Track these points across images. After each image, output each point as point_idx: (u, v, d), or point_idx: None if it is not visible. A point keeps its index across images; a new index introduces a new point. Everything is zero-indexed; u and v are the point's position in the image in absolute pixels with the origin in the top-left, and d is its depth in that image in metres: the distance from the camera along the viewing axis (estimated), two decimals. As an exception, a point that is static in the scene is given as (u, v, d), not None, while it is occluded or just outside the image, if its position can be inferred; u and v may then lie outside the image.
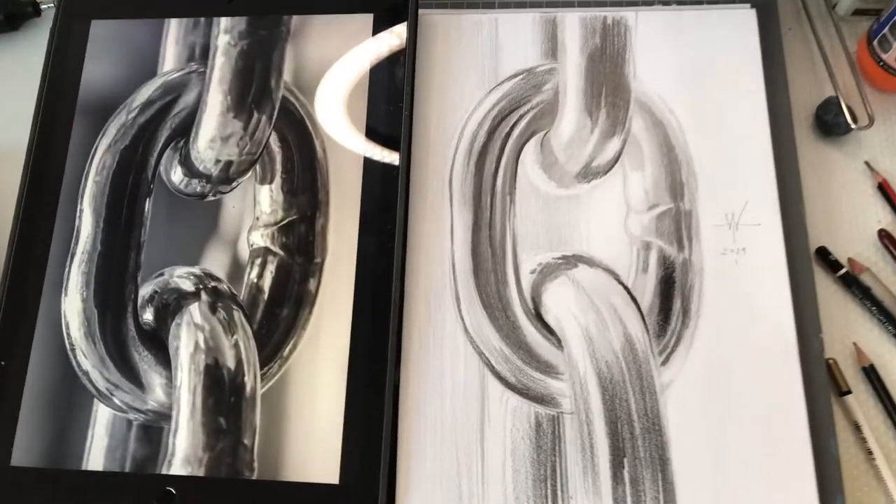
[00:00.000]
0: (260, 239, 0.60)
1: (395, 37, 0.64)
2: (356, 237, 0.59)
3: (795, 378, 0.56)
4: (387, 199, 0.60)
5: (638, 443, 0.55)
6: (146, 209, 0.61)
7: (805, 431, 0.55)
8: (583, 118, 0.63)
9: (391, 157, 0.61)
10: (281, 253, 0.59)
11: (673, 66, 0.64)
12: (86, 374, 0.58)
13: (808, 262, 0.60)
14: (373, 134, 0.61)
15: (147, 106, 0.64)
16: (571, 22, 0.66)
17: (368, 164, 0.61)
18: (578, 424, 0.56)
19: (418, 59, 0.65)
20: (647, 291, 0.59)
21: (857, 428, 0.59)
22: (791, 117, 0.63)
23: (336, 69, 0.64)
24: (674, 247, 0.60)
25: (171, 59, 0.65)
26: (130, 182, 0.62)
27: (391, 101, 0.62)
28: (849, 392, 0.60)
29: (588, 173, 0.62)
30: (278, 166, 0.62)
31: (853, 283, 0.62)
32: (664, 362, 0.57)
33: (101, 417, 0.57)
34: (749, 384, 0.56)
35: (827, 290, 0.63)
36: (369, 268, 0.58)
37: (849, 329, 0.62)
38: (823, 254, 0.64)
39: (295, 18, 0.65)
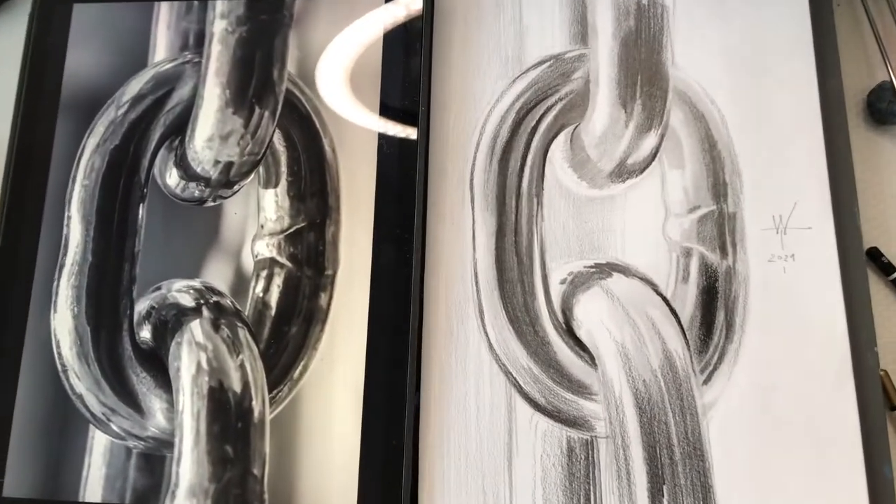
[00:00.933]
0: (265, 249, 0.55)
1: (409, 19, 0.58)
2: (370, 246, 0.54)
3: (849, 397, 0.52)
4: (403, 203, 0.55)
5: (678, 469, 0.51)
6: (140, 216, 0.56)
7: (859, 455, 0.51)
8: (616, 110, 0.58)
9: (407, 158, 0.55)
10: (288, 264, 0.55)
11: (715, 50, 0.59)
12: (80, 397, 0.54)
13: (863, 268, 0.55)
14: (386, 133, 0.56)
15: (138, 100, 0.58)
16: (603, 1, 0.60)
17: (382, 165, 0.55)
18: (614, 449, 0.52)
19: (434, 45, 0.59)
20: (688, 303, 0.54)
21: (909, 444, 0.55)
22: (844, 106, 0.58)
23: (343, 57, 0.58)
24: (716, 253, 0.55)
25: (162, 47, 0.59)
26: (122, 186, 0.57)
27: (406, 94, 0.56)
28: (901, 406, 0.55)
29: (623, 172, 0.57)
30: (283, 168, 0.56)
31: (907, 287, 0.58)
32: (706, 381, 0.52)
33: (98, 445, 0.53)
34: (798, 404, 0.52)
35: (878, 294, 0.58)
36: (385, 280, 0.54)
37: (902, 337, 0.58)
38: (875, 255, 0.59)
39: (298, 1, 0.59)
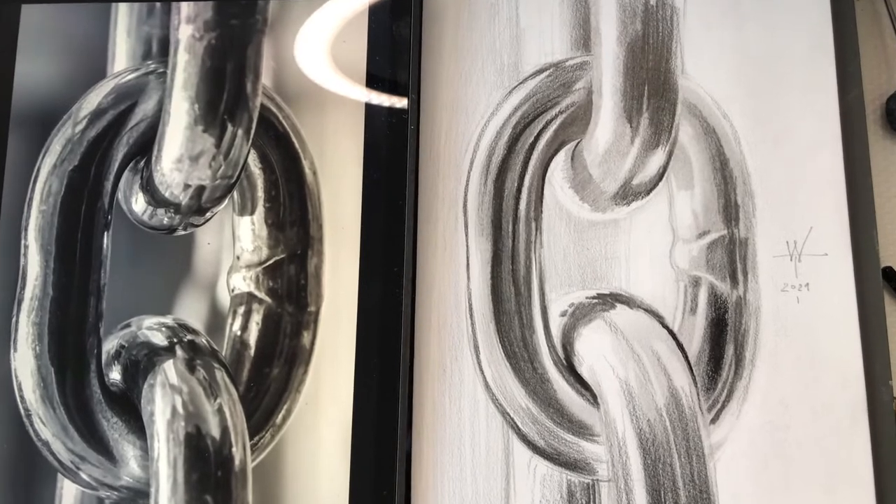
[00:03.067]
0: (242, 282, 0.51)
1: (396, 25, 0.53)
2: (356, 279, 0.50)
3: (863, 435, 0.49)
4: (391, 231, 0.51)
5: (684, 513, 0.49)
6: (104, 245, 0.52)
7: (871, 495, 0.48)
8: (621, 125, 0.53)
9: (396, 180, 0.51)
10: (268, 300, 0.51)
11: (728, 57, 0.54)
12: (46, 444, 0.50)
13: (880, 298, 0.52)
14: (372, 152, 0.51)
15: (97, 116, 0.53)
16: (607, 3, 0.55)
17: (368, 188, 0.51)
18: (616, 493, 0.49)
19: (424, 52, 0.54)
20: (696, 336, 0.51)
21: (918, 474, 0.53)
22: (865, 120, 0.54)
23: (325, 66, 0.53)
24: (726, 282, 0.51)
25: (122, 55, 0.54)
26: (83, 211, 0.52)
27: (393, 112, 0.51)
28: (912, 436, 0.53)
29: (627, 193, 0.53)
30: (260, 193, 0.52)
31: (922, 310, 0.55)
32: (714, 420, 0.50)
33: (68, 495, 0.50)
34: (810, 444, 0.49)
35: (891, 316, 0.55)
36: (373, 315, 0.50)
37: (914, 362, 0.55)
38: (890, 275, 0.56)
39: (272, 3, 0.53)
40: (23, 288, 0.52)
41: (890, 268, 0.56)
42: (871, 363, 0.50)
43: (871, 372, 0.50)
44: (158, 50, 0.54)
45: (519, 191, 0.53)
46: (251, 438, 0.49)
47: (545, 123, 0.54)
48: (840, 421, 0.49)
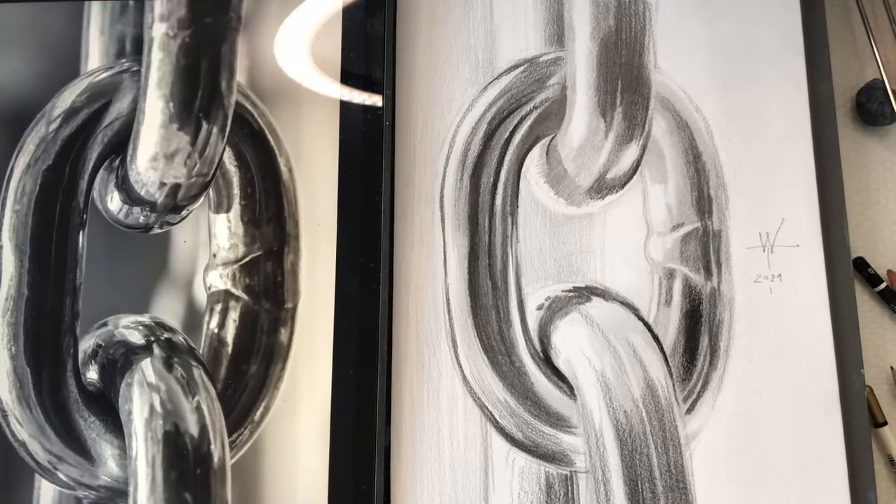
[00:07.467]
0: (219, 280, 0.51)
1: (370, 23, 0.53)
2: (333, 275, 0.50)
3: (835, 424, 0.50)
4: (368, 227, 0.51)
5: (660, 503, 0.49)
6: (80, 244, 0.52)
7: (844, 482, 0.49)
8: (595, 120, 0.54)
9: (372, 177, 0.51)
10: (244, 297, 0.51)
11: (700, 51, 0.55)
12: (23, 444, 0.50)
13: (851, 288, 0.53)
14: (348, 149, 0.51)
15: (71, 115, 0.53)
16: (580, -2, 0.55)
17: (344, 185, 0.51)
18: (594, 484, 0.50)
19: (399, 49, 0.54)
20: (671, 328, 0.52)
21: (890, 461, 0.54)
22: (835, 113, 0.55)
23: (300, 63, 0.53)
24: (700, 274, 0.52)
25: (96, 53, 0.54)
26: (58, 211, 0.52)
27: (369, 108, 0.52)
28: (884, 423, 0.54)
29: (602, 187, 0.53)
30: (236, 191, 0.52)
31: (893, 299, 0.56)
32: (689, 410, 0.50)
33: (45, 496, 0.50)
34: (784, 433, 0.50)
35: (863, 306, 0.56)
36: (350, 311, 0.50)
37: (886, 350, 0.56)
38: (861, 266, 0.56)
39: (247, 1, 0.53)
40: (-3, 288, 0.51)
41: (860, 258, 0.56)
42: (843, 352, 0.51)
43: (843, 361, 0.51)
44: (132, 48, 0.54)
45: (495, 186, 0.53)
46: (230, 436, 0.49)
47: (520, 119, 0.54)
48: (813, 409, 0.50)
